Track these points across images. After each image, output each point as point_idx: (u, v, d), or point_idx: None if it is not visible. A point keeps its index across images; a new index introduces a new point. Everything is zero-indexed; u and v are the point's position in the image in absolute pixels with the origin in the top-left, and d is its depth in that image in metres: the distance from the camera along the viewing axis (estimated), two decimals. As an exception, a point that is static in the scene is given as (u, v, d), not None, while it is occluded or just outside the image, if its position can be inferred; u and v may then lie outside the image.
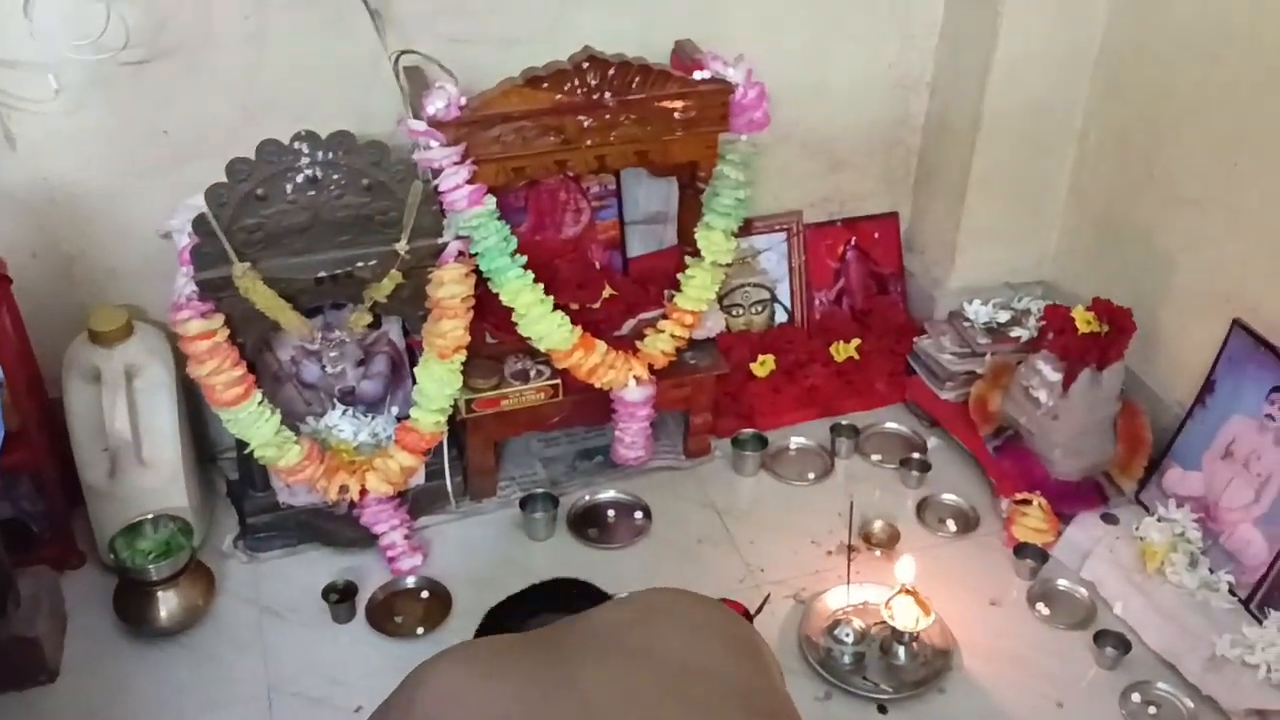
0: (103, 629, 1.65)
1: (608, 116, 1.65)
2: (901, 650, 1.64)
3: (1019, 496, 1.87)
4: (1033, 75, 1.99)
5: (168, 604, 1.62)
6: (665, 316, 1.85)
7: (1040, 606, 1.74)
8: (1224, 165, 1.76)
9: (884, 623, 1.64)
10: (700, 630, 1.02)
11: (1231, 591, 1.69)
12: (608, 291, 1.88)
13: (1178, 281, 1.90)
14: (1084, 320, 1.81)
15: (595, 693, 0.91)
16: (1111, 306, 1.82)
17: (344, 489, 1.73)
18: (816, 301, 2.26)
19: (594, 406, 1.87)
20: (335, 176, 1.54)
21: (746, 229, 2.14)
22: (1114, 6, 1.93)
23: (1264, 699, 1.53)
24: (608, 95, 1.64)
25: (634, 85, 1.65)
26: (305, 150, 1.52)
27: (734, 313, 2.20)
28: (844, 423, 2.09)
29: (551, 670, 0.93)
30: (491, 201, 1.62)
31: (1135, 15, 1.90)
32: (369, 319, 1.67)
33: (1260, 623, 1.62)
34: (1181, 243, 1.88)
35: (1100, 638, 1.66)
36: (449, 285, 1.64)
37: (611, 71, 1.62)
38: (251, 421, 1.64)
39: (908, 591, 1.65)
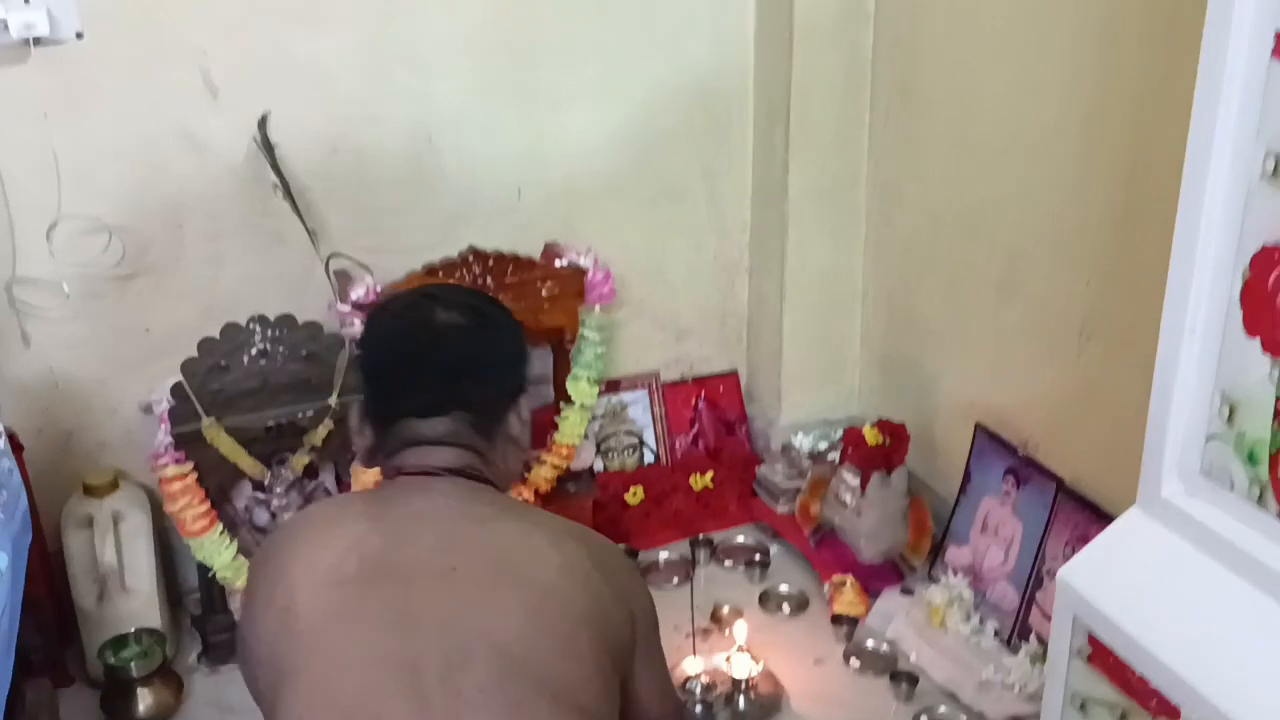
0: (92, 728, 1.92)
1: (489, 297, 2.09)
2: (741, 698, 1.96)
3: (836, 579, 2.23)
4: (820, 253, 2.47)
5: (145, 700, 1.90)
6: (547, 451, 2.24)
7: (853, 661, 2.08)
8: (953, 305, 2.24)
9: (727, 676, 1.97)
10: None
11: (996, 634, 2.06)
12: (500, 436, 2.27)
13: (940, 398, 2.34)
14: (871, 436, 2.24)
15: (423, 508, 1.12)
16: (890, 424, 2.25)
17: (290, 604, 2.04)
18: (677, 443, 2.66)
19: (493, 528, 2.22)
20: (281, 349, 1.94)
21: (615, 387, 2.57)
22: (869, 195, 2.44)
23: (1018, 708, 1.88)
24: (489, 280, 2.08)
25: (509, 272, 2.10)
26: (257, 330, 1.93)
27: (609, 456, 2.59)
28: (702, 538, 2.45)
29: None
30: (401, 364, 2.03)
31: (882, 203, 2.42)
32: (308, 460, 2.04)
33: (1015, 653, 1.98)
34: (938, 369, 2.34)
35: (895, 677, 2.00)
36: (371, 431, 2.02)
37: (491, 262, 2.08)
38: (215, 548, 1.97)
39: (743, 649, 1.99)
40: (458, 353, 1.19)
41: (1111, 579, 1.09)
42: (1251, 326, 0.98)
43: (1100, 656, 1.09)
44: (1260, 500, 0.99)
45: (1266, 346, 0.97)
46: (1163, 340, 1.06)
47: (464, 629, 1.04)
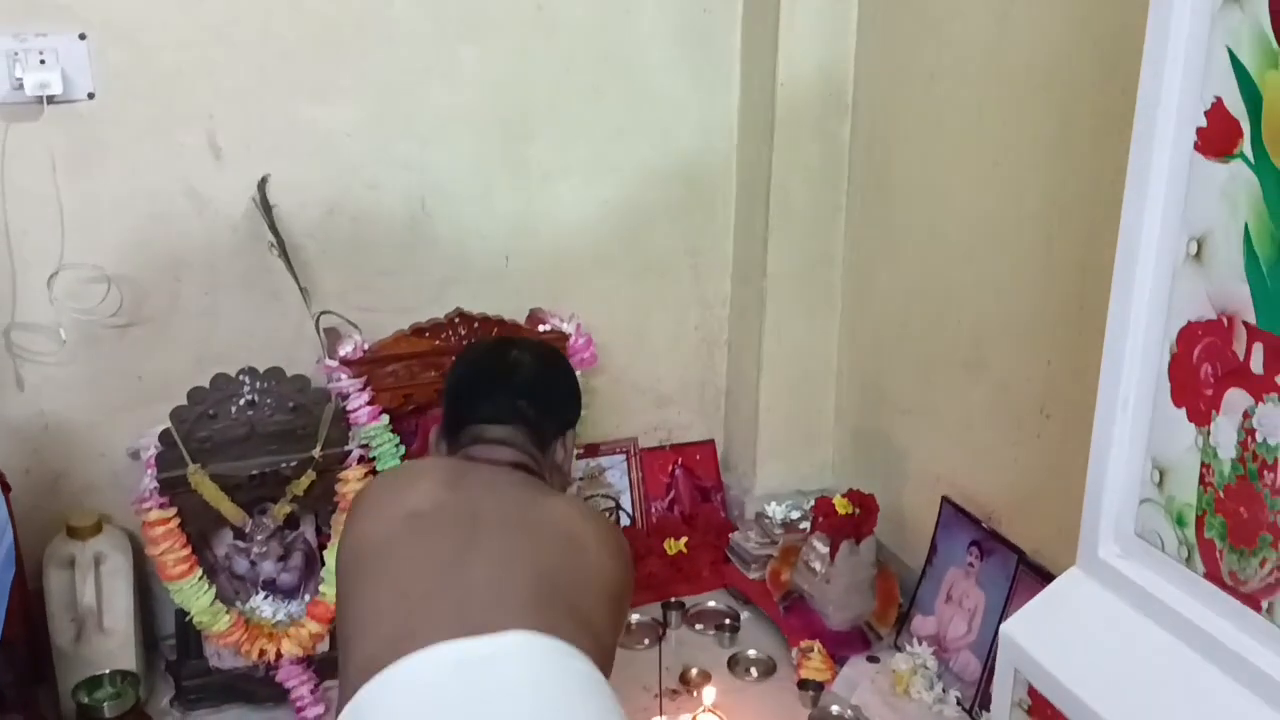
0: (61, 766, 1.92)
1: (473, 357, 2.15)
2: (705, 757, 1.99)
3: (804, 644, 2.26)
4: (796, 330, 2.55)
5: (117, 742, 1.91)
6: (523, 511, 2.28)
7: (818, 725, 2.12)
8: (922, 383, 2.32)
9: (692, 736, 2.00)
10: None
11: (958, 702, 2.08)
12: (479, 494, 2.32)
13: (908, 472, 2.40)
14: (841, 505, 2.28)
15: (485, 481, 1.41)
16: (860, 494, 2.30)
17: (263, 652, 2.06)
18: (653, 508, 2.71)
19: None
20: (268, 400, 1.99)
21: (594, 451, 2.62)
22: (844, 276, 2.53)
23: (976, 775, 1.90)
24: (473, 341, 2.14)
25: (493, 334, 2.16)
26: (246, 381, 1.98)
27: (586, 518, 2.62)
28: (674, 601, 2.48)
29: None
30: (385, 419, 2.09)
31: (856, 284, 2.51)
32: (289, 509, 2.07)
33: (976, 721, 2.01)
34: (907, 443, 2.40)
35: (858, 740, 2.03)
36: (352, 483, 2.06)
37: (475, 324, 2.14)
38: (193, 593, 2.00)
39: (709, 710, 2.01)
40: (522, 379, 1.52)
41: (1050, 634, 1.14)
42: (1179, 398, 1.04)
43: (1039, 708, 1.13)
44: (1188, 561, 1.05)
45: (1192, 416, 1.03)
46: (1099, 411, 1.12)
47: (510, 556, 1.30)
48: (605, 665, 1.30)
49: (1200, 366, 1.01)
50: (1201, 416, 1.02)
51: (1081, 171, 1.81)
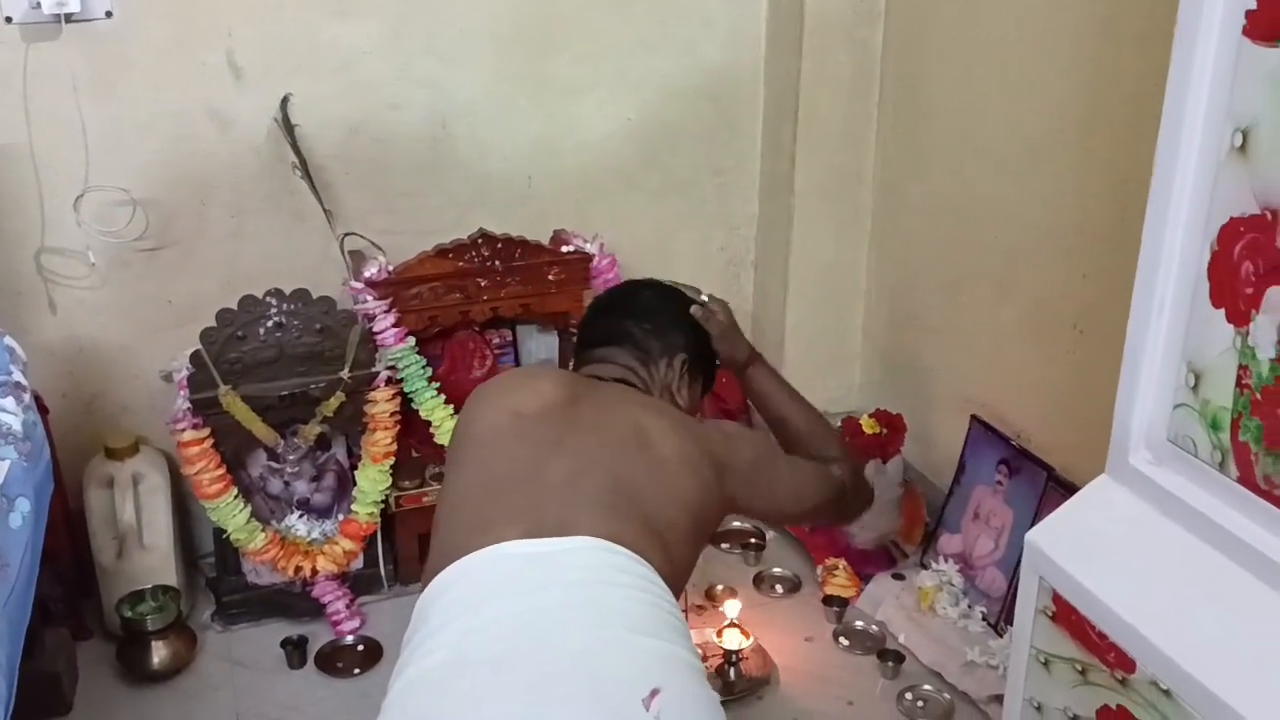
0: (107, 677, 1.95)
1: (498, 278, 2.12)
2: (731, 670, 1.98)
3: (829, 562, 2.25)
4: (824, 248, 2.49)
5: (159, 653, 1.94)
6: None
7: (842, 639, 2.10)
8: (952, 301, 2.26)
9: (718, 649, 1.99)
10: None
11: (984, 618, 2.06)
12: (507, 414, 2.30)
13: (937, 392, 2.36)
14: (868, 425, 2.25)
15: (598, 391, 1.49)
16: (887, 414, 2.26)
17: (299, 568, 2.08)
18: (680, 430, 2.68)
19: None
20: (296, 322, 1.98)
21: (620, 373, 2.59)
22: (874, 192, 2.46)
23: (1001, 688, 1.87)
24: (497, 263, 2.11)
25: (517, 255, 2.13)
26: (274, 303, 1.96)
27: (614, 439, 2.61)
28: (701, 520, 2.47)
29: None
30: (412, 340, 2.07)
31: (886, 200, 2.44)
32: (319, 430, 2.07)
33: (1001, 637, 1.99)
34: (935, 362, 2.35)
35: (882, 655, 2.02)
36: (380, 404, 2.05)
37: (499, 245, 2.10)
38: (229, 511, 2.01)
39: (733, 625, 2.01)
40: (630, 306, 1.66)
41: (1077, 541, 1.10)
42: (1217, 298, 0.99)
43: (1064, 615, 1.10)
44: (1221, 465, 1.01)
45: (1230, 317, 0.98)
46: (1133, 313, 1.07)
47: (593, 458, 1.34)
48: (674, 575, 1.29)
49: (1241, 264, 0.96)
50: (1240, 316, 0.97)
51: (1126, 78, 1.73)
